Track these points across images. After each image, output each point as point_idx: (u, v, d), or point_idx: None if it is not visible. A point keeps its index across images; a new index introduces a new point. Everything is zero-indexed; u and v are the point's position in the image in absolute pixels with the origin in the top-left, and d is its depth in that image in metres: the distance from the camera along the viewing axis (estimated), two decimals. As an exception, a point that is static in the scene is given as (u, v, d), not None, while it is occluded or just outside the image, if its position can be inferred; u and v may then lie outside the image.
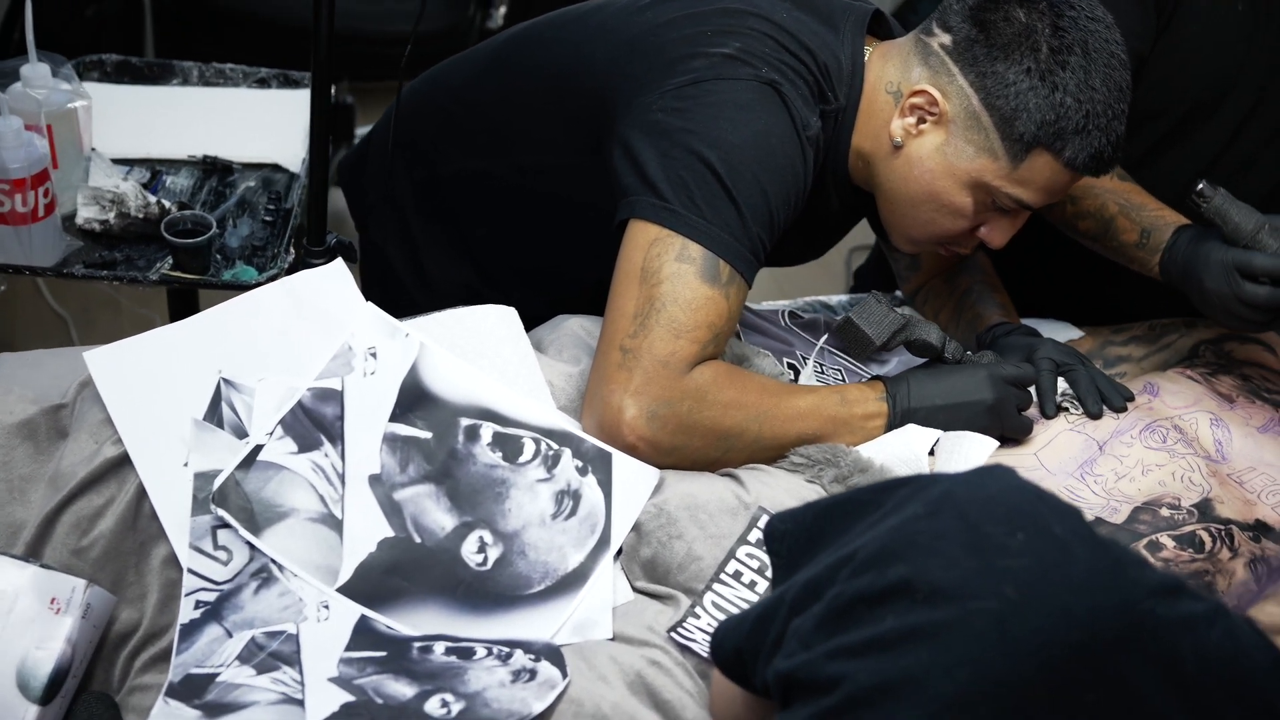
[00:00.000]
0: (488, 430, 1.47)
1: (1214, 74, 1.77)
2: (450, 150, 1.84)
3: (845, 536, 1.05)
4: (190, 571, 1.37)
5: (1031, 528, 0.96)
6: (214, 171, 2.14)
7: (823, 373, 1.76)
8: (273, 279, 1.78)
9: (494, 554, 1.42)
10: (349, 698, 1.28)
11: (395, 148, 1.89)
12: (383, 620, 1.37)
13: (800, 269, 2.14)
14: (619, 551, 1.46)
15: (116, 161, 2.09)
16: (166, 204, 1.98)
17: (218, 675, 1.31)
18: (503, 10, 3.34)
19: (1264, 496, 1.57)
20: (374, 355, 1.49)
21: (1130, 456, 1.58)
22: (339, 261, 1.58)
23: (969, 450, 1.54)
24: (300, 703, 1.29)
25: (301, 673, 1.31)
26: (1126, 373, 1.84)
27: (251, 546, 1.38)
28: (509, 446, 1.46)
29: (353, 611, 1.37)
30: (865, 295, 1.67)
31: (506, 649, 1.34)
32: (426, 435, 1.46)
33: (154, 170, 2.12)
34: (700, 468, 1.51)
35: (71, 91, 1.97)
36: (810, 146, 1.56)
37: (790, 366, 1.75)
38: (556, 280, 1.83)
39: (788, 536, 1.13)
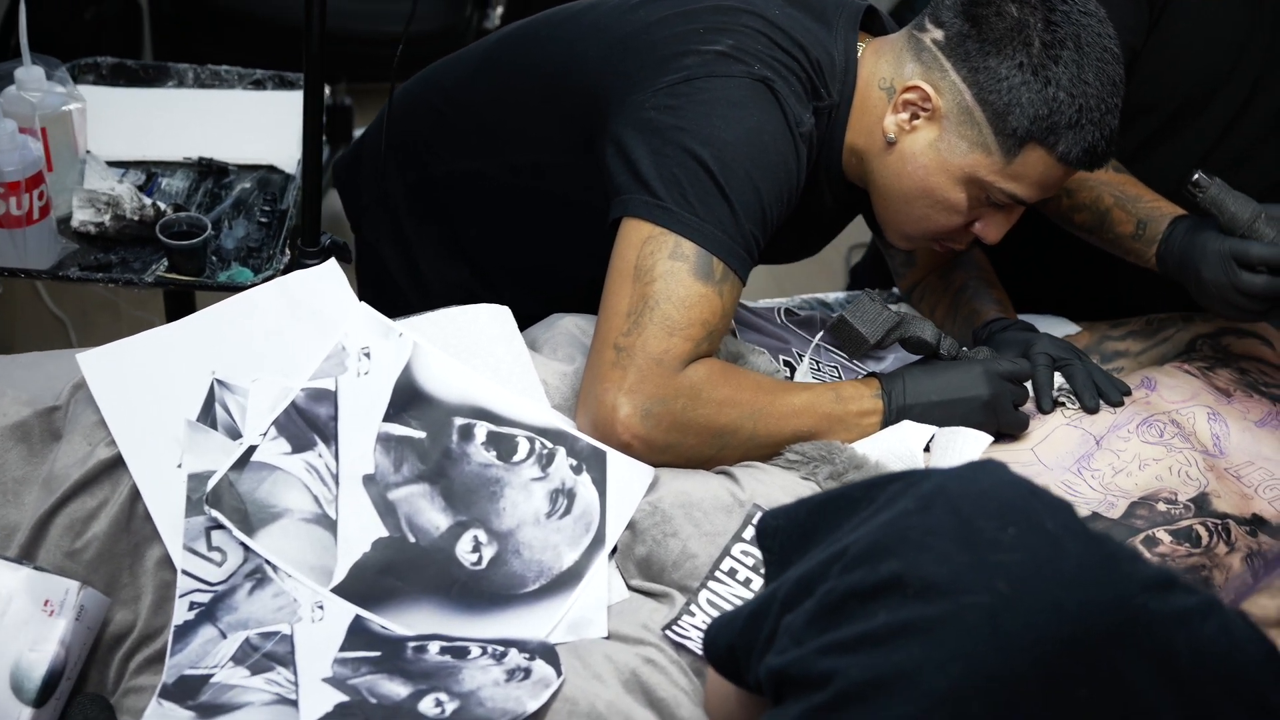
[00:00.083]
0: (482, 429, 1.47)
1: (1206, 68, 1.77)
2: (443, 150, 1.83)
3: (837, 532, 1.05)
4: (184, 573, 1.37)
5: (1024, 522, 0.96)
6: (209, 173, 2.14)
7: (819, 370, 1.76)
8: (268, 280, 1.78)
9: (488, 553, 1.41)
10: (343, 698, 1.28)
11: (389, 148, 1.89)
12: (377, 620, 1.36)
13: (800, 267, 2.13)
14: (614, 550, 1.45)
15: (112, 164, 2.09)
16: (162, 206, 1.99)
17: (212, 676, 1.31)
18: (499, 10, 3.34)
19: (1261, 490, 1.56)
20: (367, 355, 1.49)
21: (1127, 451, 1.58)
22: (332, 262, 1.58)
23: (963, 446, 1.53)
24: (294, 703, 1.28)
25: (296, 673, 1.31)
26: (1124, 368, 1.83)
27: (246, 547, 1.38)
28: (503, 445, 1.46)
29: (347, 612, 1.36)
30: (859, 293, 1.67)
31: (501, 648, 1.34)
32: (420, 435, 1.45)
33: (150, 172, 2.12)
34: (695, 465, 1.51)
35: (66, 94, 1.98)
36: (803, 143, 1.56)
37: (786, 364, 1.74)
38: (551, 279, 1.82)
39: (780, 533, 1.12)
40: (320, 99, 1.76)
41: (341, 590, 1.37)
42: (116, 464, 1.41)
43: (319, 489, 1.42)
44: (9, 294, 3.12)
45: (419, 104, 1.89)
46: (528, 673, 1.30)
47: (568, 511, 1.44)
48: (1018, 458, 1.58)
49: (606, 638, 1.38)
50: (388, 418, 1.46)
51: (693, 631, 1.35)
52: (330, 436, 1.44)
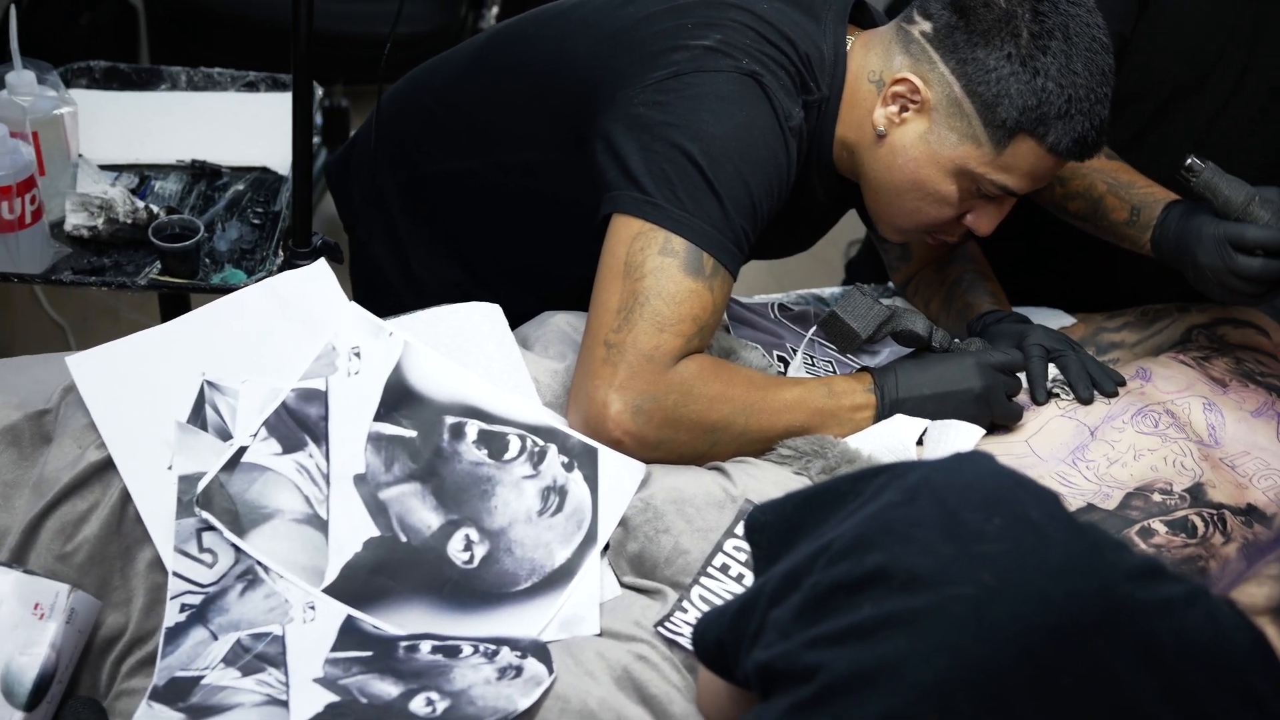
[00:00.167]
0: (473, 428, 1.46)
1: (1195, 54, 1.76)
2: (434, 150, 1.83)
3: (824, 526, 1.04)
4: (175, 575, 1.36)
5: (1008, 513, 0.95)
6: (203, 176, 2.14)
7: (813, 364, 1.76)
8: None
9: (480, 552, 1.41)
10: (333, 698, 1.28)
11: (380, 149, 1.89)
12: (369, 620, 1.36)
13: (798, 262, 2.13)
14: (606, 547, 1.45)
15: (105, 168, 2.09)
16: (155, 209, 1.98)
17: (203, 678, 1.30)
18: (494, 10, 3.34)
19: (1256, 480, 1.56)
20: (358, 355, 1.49)
21: (1122, 441, 1.57)
22: (321, 262, 1.57)
23: (955, 439, 1.53)
24: (285, 704, 1.28)
25: (287, 674, 1.31)
26: (1120, 359, 1.83)
27: (237, 549, 1.38)
28: (494, 444, 1.46)
29: (339, 612, 1.36)
30: (850, 288, 1.66)
31: (493, 646, 1.33)
32: (411, 434, 1.45)
33: (143, 175, 2.12)
34: (687, 462, 1.50)
35: (57, 98, 1.98)
36: (793, 137, 1.55)
37: (780, 359, 1.74)
38: (543, 277, 1.82)
39: (768, 528, 1.12)
40: (309, 99, 1.75)
41: (333, 590, 1.37)
42: (107, 467, 1.41)
43: (310, 489, 1.41)
44: (7, 299, 3.13)
45: (410, 103, 1.89)
46: (519, 671, 1.30)
47: (559, 509, 1.44)
48: (1012, 449, 1.58)
49: (599, 635, 1.38)
50: (378, 417, 1.46)
51: (685, 628, 1.35)
52: (321, 436, 1.44)
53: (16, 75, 1.93)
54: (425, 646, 1.34)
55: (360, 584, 1.38)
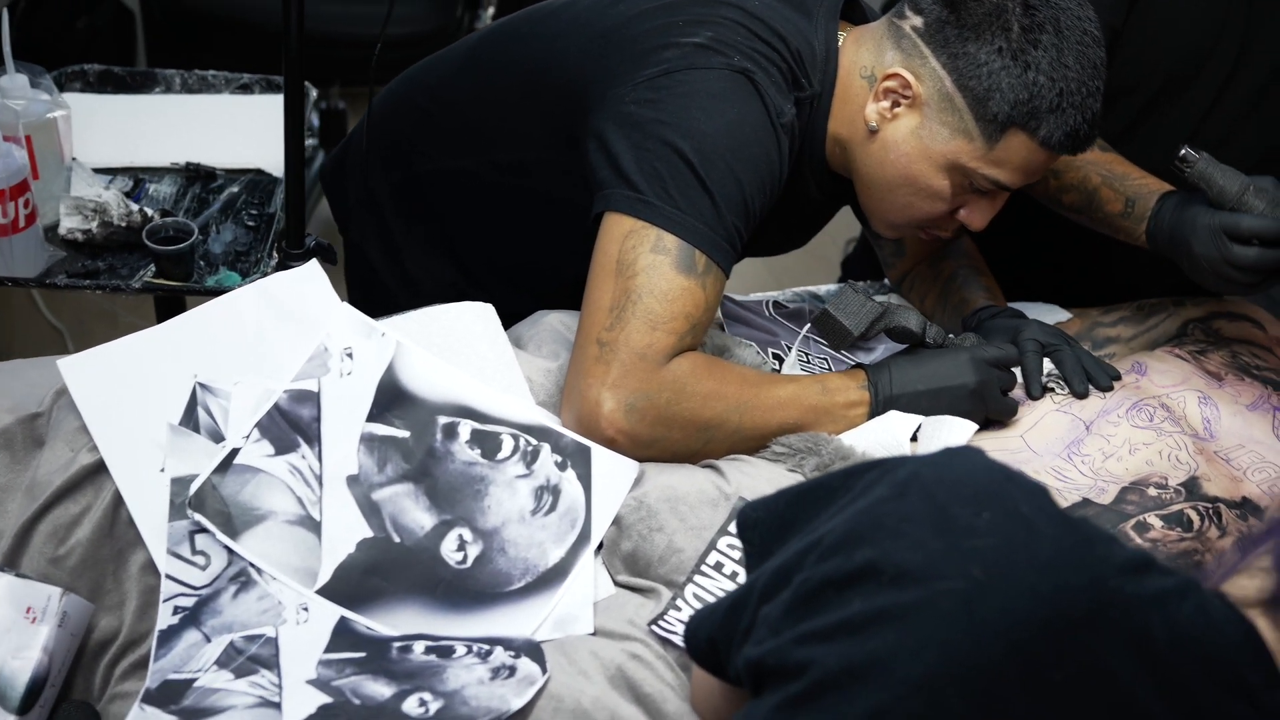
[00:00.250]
0: (466, 428, 1.46)
1: (1188, 46, 1.76)
2: (428, 149, 1.83)
3: (815, 522, 1.04)
4: (168, 577, 1.36)
5: (998, 507, 0.95)
6: (197, 178, 2.14)
7: (807, 362, 1.75)
8: (255, 283, 1.78)
9: (474, 551, 1.41)
10: (326, 699, 1.27)
11: (374, 149, 1.89)
12: (362, 621, 1.36)
13: (794, 259, 2.13)
14: (600, 546, 1.45)
15: (100, 171, 2.09)
16: (149, 212, 1.98)
17: (195, 680, 1.30)
18: (490, 11, 3.34)
19: (1250, 473, 1.55)
20: (350, 355, 1.49)
21: (1117, 436, 1.57)
22: (313, 263, 1.57)
23: (949, 435, 1.52)
24: (278, 706, 1.28)
25: (280, 675, 1.30)
26: (1115, 353, 1.82)
27: (230, 551, 1.37)
28: (487, 443, 1.46)
29: (332, 613, 1.36)
30: (842, 286, 1.66)
31: (486, 646, 1.33)
32: (404, 434, 1.45)
33: (137, 179, 2.12)
34: (680, 460, 1.50)
35: (51, 102, 1.98)
36: (785, 134, 1.55)
37: (775, 356, 1.74)
38: (537, 276, 1.82)
39: (760, 525, 1.12)
40: (301, 100, 1.75)
41: (326, 592, 1.37)
42: (99, 469, 1.41)
43: (303, 490, 1.41)
44: (4, 304, 3.13)
45: (403, 103, 1.89)
46: (512, 670, 1.30)
47: (553, 508, 1.43)
48: (1007, 444, 1.57)
49: (593, 634, 1.38)
50: (371, 418, 1.45)
51: (679, 626, 1.35)
52: (313, 438, 1.44)
53: (9, 79, 1.93)
54: (419, 647, 1.33)
55: (353, 585, 1.37)
